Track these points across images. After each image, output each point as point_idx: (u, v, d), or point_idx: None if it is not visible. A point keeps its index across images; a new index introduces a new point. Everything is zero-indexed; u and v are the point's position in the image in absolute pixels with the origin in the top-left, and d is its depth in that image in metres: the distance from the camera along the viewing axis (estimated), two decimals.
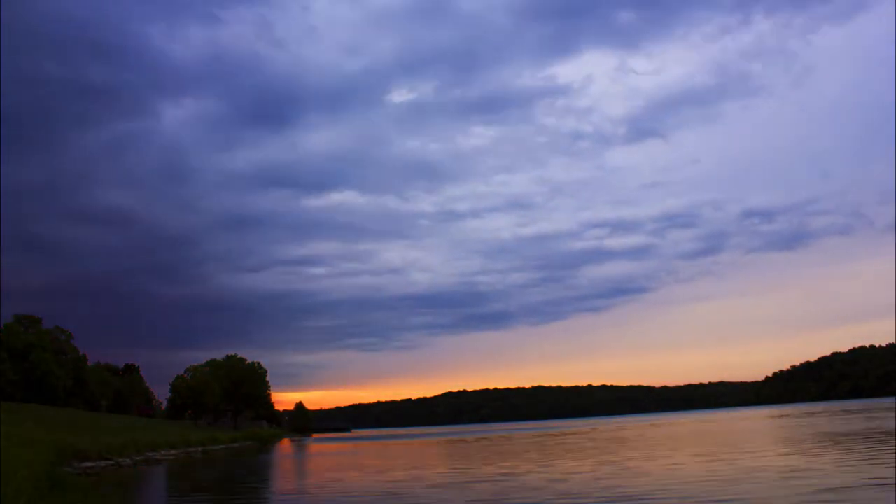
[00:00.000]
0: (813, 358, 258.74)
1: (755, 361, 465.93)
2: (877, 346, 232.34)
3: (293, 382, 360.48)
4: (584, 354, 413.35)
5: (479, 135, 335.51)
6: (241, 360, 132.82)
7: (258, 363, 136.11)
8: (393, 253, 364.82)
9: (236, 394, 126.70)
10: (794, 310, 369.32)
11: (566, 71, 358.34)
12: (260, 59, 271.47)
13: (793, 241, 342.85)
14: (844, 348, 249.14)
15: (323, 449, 70.33)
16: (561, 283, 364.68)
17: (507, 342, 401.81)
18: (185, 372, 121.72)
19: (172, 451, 55.30)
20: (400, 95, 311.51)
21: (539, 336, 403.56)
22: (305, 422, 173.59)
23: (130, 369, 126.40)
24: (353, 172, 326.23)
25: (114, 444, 43.24)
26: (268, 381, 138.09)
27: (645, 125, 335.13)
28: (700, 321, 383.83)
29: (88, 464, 36.12)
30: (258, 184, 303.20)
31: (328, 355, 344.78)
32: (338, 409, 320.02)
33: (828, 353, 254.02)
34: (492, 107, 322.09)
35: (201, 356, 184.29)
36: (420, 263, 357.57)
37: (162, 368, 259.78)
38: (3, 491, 14.11)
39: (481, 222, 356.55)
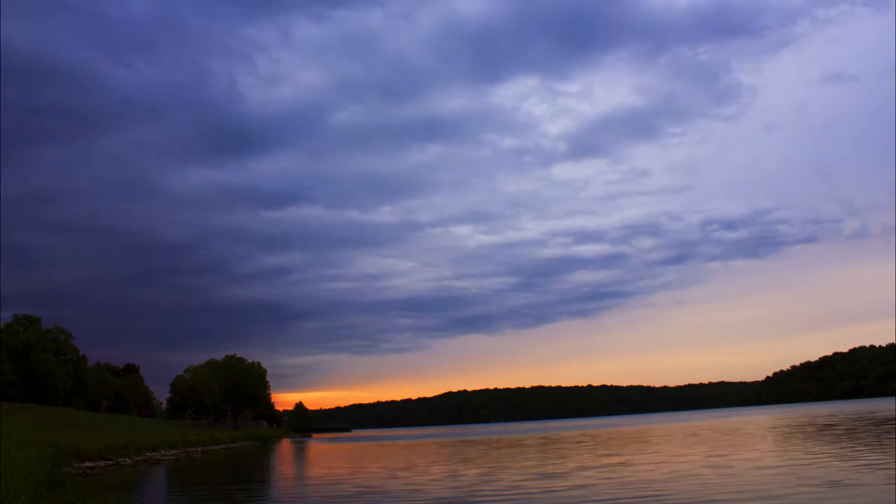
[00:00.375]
0: (813, 358, 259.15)
1: (755, 361, 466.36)
2: (877, 346, 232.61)
3: (292, 383, 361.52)
4: (583, 355, 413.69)
5: (424, 151, 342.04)
6: (241, 360, 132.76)
7: (258, 363, 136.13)
8: (365, 261, 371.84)
9: (236, 394, 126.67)
10: (767, 317, 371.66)
11: (499, 93, 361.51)
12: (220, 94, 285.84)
13: (758, 248, 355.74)
14: (844, 348, 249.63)
15: (330, 451, 69.31)
16: (540, 289, 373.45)
17: (499, 345, 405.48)
18: (184, 372, 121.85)
19: (172, 451, 55.29)
20: (340, 118, 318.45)
21: (531, 339, 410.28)
22: (305, 422, 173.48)
23: (130, 369, 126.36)
24: (311, 189, 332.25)
25: (114, 444, 43.25)
26: (267, 382, 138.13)
27: (584, 142, 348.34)
28: (687, 324, 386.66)
29: (88, 464, 36.12)
30: (224, 200, 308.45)
31: (323, 357, 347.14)
32: (338, 409, 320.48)
33: (828, 353, 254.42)
34: (430, 127, 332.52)
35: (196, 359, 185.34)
36: (394, 269, 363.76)
37: (160, 368, 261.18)
38: (3, 491, 14.10)
39: (445, 230, 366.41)
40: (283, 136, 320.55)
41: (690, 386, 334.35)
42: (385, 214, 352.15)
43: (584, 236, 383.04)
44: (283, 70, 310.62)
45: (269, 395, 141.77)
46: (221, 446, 71.91)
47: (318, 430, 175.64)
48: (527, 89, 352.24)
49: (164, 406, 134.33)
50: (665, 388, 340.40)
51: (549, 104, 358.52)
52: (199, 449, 63.09)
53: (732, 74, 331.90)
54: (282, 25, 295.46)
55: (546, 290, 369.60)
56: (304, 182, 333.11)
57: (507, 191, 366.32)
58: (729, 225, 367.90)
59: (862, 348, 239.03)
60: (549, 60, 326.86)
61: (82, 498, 17.78)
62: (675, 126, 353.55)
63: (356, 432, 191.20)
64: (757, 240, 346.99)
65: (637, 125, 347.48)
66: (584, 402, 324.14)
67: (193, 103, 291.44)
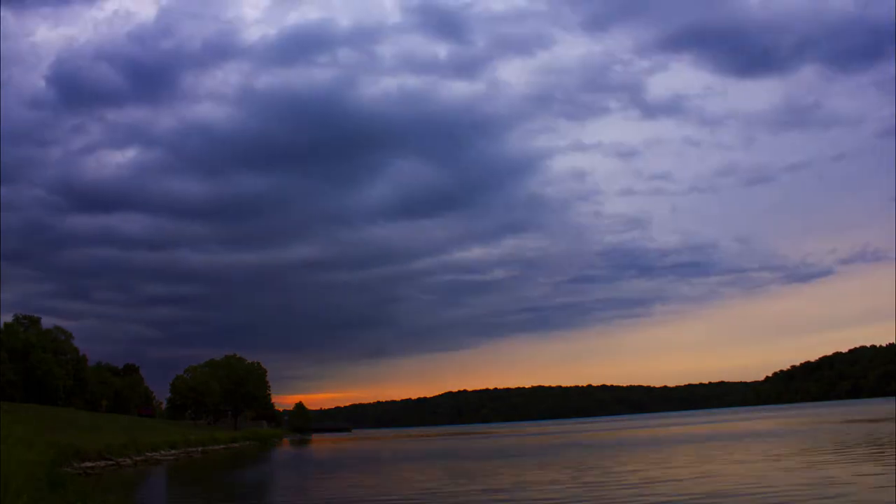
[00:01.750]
0: (813, 358, 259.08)
1: (755, 361, 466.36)
2: (877, 346, 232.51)
3: (292, 383, 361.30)
4: (583, 355, 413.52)
5: None
6: (241, 360, 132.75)
7: (258, 363, 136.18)
8: None
9: (236, 394, 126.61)
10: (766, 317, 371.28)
11: None
12: None
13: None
14: (844, 348, 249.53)
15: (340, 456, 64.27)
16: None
17: (498, 351, 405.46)
18: (184, 372, 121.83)
19: (172, 451, 55.32)
20: None
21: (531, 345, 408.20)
22: (305, 422, 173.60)
23: (130, 369, 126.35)
24: None
25: (114, 444, 43.27)
26: (267, 381, 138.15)
27: None
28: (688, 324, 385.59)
29: (88, 464, 36.13)
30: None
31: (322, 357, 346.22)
32: (338, 409, 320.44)
33: (828, 352, 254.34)
34: None
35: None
36: None
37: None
38: (4, 491, 14.12)
39: None
40: None
41: (690, 386, 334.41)
42: None
43: None
44: None
45: (269, 395, 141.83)
46: (221, 446, 71.93)
47: (318, 431, 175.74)
48: None
49: (164, 406, 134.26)
50: (665, 387, 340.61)
51: None
52: (199, 449, 63.11)
53: None
54: None
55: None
56: None
57: None
58: None
59: (862, 348, 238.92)
60: None
61: (82, 498, 17.80)
62: None
63: (356, 432, 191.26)
64: None
65: None
66: (584, 402, 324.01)
67: None
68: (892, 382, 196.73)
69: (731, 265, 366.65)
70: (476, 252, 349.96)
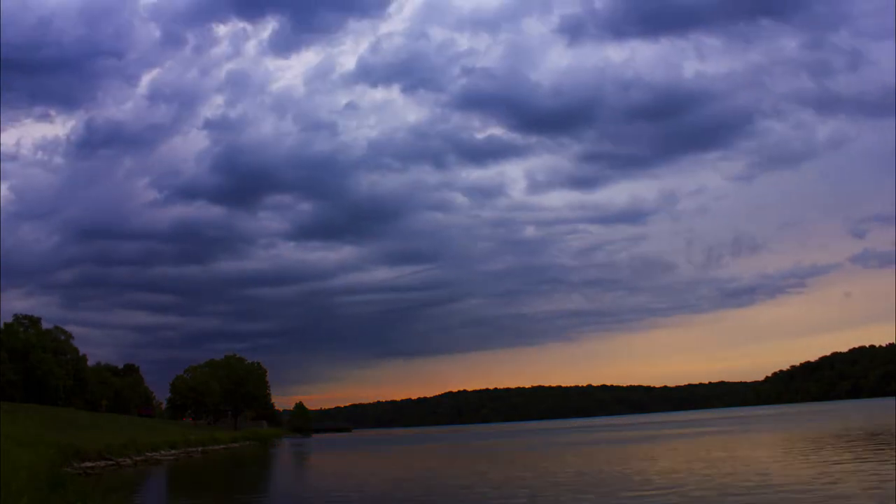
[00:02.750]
0: (813, 358, 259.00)
1: (755, 361, 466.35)
2: (877, 346, 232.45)
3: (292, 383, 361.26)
4: (583, 355, 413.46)
5: None
6: (241, 360, 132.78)
7: (258, 363, 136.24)
8: None
9: (236, 394, 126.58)
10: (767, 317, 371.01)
11: None
12: None
13: None
14: (844, 348, 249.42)
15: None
16: None
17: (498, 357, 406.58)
18: (184, 372, 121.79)
19: (172, 451, 55.33)
20: None
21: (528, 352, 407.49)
22: (305, 422, 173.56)
23: (130, 369, 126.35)
24: None
25: (114, 444, 43.27)
26: (267, 381, 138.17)
27: None
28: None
29: (88, 464, 36.14)
30: None
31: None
32: (338, 409, 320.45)
33: (828, 353, 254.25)
34: None
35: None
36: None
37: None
38: (4, 491, 14.11)
39: None
40: None
41: (690, 386, 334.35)
42: None
43: None
44: None
45: (269, 395, 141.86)
46: (221, 446, 71.93)
47: (318, 431, 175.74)
48: None
49: (164, 406, 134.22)
50: (665, 388, 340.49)
51: None
52: (199, 449, 63.12)
53: None
54: None
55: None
56: None
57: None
58: None
59: (862, 348, 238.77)
60: None
61: (82, 498, 17.79)
62: None
63: (356, 432, 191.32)
64: None
65: None
66: (584, 402, 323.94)
67: None
68: (892, 382, 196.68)
69: None
70: None
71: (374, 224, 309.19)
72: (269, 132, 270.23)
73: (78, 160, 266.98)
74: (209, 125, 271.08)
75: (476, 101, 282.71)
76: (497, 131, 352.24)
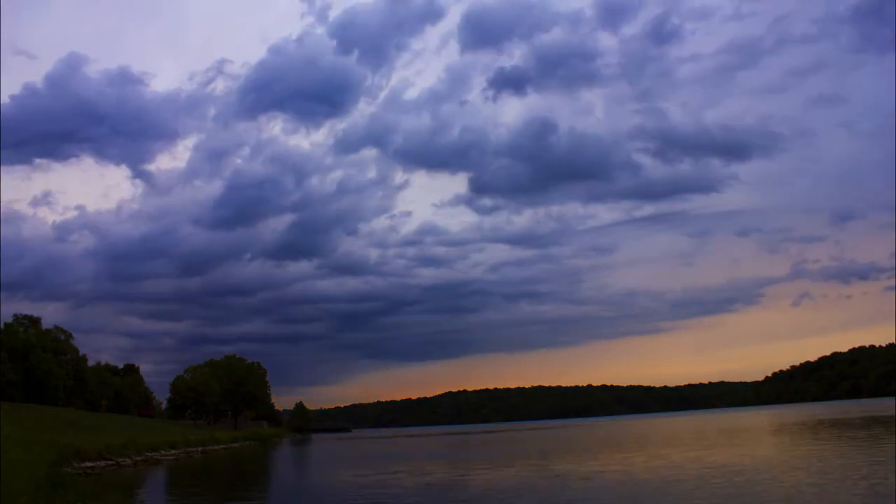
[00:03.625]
0: (813, 358, 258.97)
1: (755, 361, 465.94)
2: (876, 346, 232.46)
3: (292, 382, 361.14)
4: (583, 355, 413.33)
5: None
6: (241, 360, 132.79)
7: (258, 363, 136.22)
8: None
9: (236, 394, 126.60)
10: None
11: None
12: None
13: None
14: (844, 348, 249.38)
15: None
16: None
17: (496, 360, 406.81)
18: (184, 372, 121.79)
19: (172, 451, 55.33)
20: None
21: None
22: (305, 422, 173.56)
23: (130, 369, 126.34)
24: None
25: (114, 444, 43.28)
26: (267, 381, 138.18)
27: None
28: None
29: (88, 464, 36.15)
30: None
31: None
32: (338, 409, 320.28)
33: (828, 353, 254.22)
34: None
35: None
36: None
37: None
38: (4, 491, 14.12)
39: None
40: None
41: (690, 386, 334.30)
42: None
43: None
44: None
45: (269, 395, 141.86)
46: (221, 446, 71.93)
47: (318, 431, 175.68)
48: None
49: (164, 406, 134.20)
50: (665, 388, 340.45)
51: None
52: (199, 449, 63.11)
53: None
54: None
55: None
56: None
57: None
58: None
59: (862, 348, 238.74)
60: None
61: (82, 498, 17.81)
62: None
63: (356, 432, 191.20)
64: None
65: None
66: (585, 402, 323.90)
67: None
68: (892, 382, 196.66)
69: None
70: None
71: None
72: None
73: None
74: None
75: None
76: None
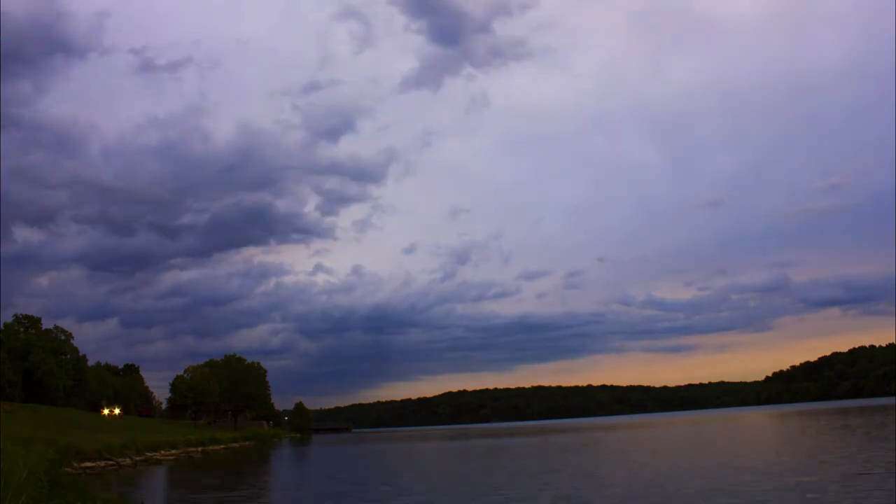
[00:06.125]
0: (813, 358, 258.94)
1: (755, 361, 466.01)
2: (876, 346, 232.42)
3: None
4: (583, 355, 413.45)
5: None
6: (241, 360, 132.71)
7: (258, 363, 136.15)
8: None
9: (236, 394, 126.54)
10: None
11: None
12: None
13: None
14: (844, 348, 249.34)
15: None
16: None
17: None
18: (184, 372, 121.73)
19: (172, 451, 55.33)
20: None
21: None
22: (305, 422, 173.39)
23: (130, 369, 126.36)
24: None
25: (114, 444, 43.28)
26: (267, 382, 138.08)
27: None
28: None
29: (88, 464, 36.17)
30: None
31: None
32: (338, 409, 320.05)
33: (828, 353, 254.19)
34: None
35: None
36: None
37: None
38: (4, 491, 14.13)
39: None
40: None
41: (690, 386, 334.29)
42: None
43: None
44: None
45: (269, 395, 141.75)
46: (221, 446, 71.91)
47: (318, 431, 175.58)
48: None
49: (164, 406, 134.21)
50: (665, 388, 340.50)
51: None
52: (199, 449, 63.11)
53: None
54: None
55: None
56: None
57: None
58: None
59: (862, 348, 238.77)
60: None
61: (82, 498, 17.81)
62: None
63: (357, 432, 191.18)
64: None
65: None
66: (585, 402, 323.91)
67: None
68: (892, 382, 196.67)
69: None
70: None
71: None
72: None
73: None
74: None
75: None
76: None
